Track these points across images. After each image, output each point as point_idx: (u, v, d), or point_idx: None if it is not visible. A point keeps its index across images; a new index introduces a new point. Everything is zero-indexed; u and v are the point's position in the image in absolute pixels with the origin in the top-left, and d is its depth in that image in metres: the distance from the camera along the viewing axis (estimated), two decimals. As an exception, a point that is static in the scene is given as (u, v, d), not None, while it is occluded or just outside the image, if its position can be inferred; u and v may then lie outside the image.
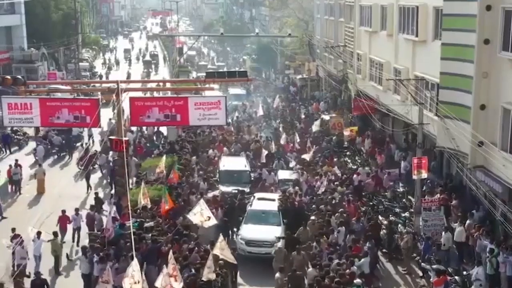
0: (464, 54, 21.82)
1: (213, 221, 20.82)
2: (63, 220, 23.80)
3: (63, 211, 23.84)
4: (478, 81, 21.19)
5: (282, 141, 36.04)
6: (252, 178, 29.35)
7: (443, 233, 21.90)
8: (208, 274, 17.63)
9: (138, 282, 15.40)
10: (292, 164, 32.80)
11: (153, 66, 77.64)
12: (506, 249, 19.57)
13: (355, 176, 29.05)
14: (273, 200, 25.06)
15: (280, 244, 21.91)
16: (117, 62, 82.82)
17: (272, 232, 22.75)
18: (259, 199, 25.21)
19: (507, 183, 20.09)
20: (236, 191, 26.57)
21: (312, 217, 23.44)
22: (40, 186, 30.20)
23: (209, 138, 36.08)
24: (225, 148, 33.91)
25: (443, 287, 18.77)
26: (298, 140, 35.62)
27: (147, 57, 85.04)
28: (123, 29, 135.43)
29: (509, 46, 19.43)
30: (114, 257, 18.60)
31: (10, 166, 30.50)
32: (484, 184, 21.67)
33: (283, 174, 30.03)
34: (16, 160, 31.68)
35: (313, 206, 25.24)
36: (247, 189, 27.42)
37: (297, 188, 27.18)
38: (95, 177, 32.40)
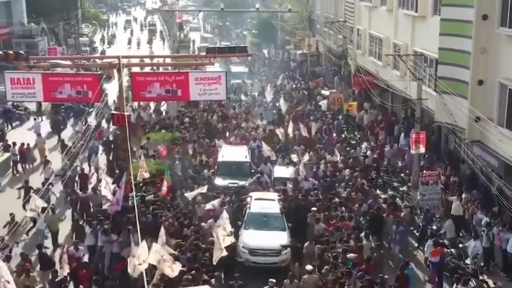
0: (462, 29, 22.05)
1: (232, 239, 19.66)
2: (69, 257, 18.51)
3: (63, 248, 19.44)
4: (476, 57, 21.48)
5: (290, 130, 32.31)
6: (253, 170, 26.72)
7: (447, 222, 21.69)
8: (218, 253, 17.69)
9: (144, 262, 15.79)
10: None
11: (156, 35, 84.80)
12: (501, 222, 19.96)
13: (369, 152, 29.11)
14: (273, 200, 22.33)
15: (286, 253, 19.94)
16: (114, 36, 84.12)
17: (276, 239, 20.29)
18: (257, 199, 22.31)
19: (503, 157, 20.42)
20: (235, 185, 24.50)
21: (313, 208, 21.69)
22: (42, 155, 30.81)
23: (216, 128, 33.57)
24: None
25: (439, 258, 19.13)
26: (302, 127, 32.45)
27: (147, 27, 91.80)
28: (123, 4, 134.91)
29: (507, 22, 19.64)
30: (116, 230, 18.97)
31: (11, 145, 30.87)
32: (481, 159, 21.99)
33: (279, 171, 26.55)
34: (7, 140, 32.29)
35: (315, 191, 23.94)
36: (246, 183, 25.17)
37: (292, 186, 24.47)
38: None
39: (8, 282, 14.98)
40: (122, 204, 19.68)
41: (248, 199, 22.43)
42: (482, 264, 19.93)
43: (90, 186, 25.10)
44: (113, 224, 19.16)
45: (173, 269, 16.30)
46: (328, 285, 16.98)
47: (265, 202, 22.08)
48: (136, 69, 23.83)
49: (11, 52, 19.08)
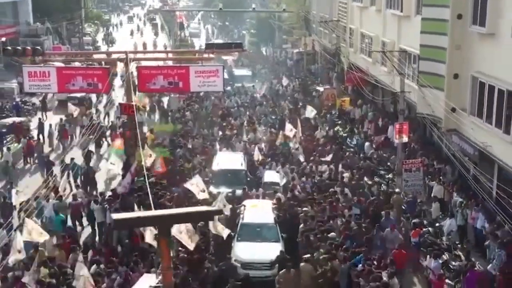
0: (440, 28, 23.87)
1: (206, 195, 21.29)
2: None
3: None
4: (452, 53, 23.30)
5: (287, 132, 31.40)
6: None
7: (434, 205, 23.38)
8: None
9: None
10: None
11: (159, 29, 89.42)
12: (474, 202, 21.91)
13: (367, 143, 30.66)
14: (267, 208, 21.65)
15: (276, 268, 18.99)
16: (111, 34, 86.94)
17: (270, 251, 19.47)
18: (251, 208, 21.61)
19: (476, 145, 22.25)
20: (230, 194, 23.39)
21: (305, 208, 21.56)
22: (51, 143, 33.50)
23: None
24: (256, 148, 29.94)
25: (418, 238, 21.04)
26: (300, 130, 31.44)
27: (150, 22, 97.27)
28: (124, 4, 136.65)
29: (478, 21, 21.45)
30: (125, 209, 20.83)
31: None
32: (459, 147, 23.88)
33: (269, 176, 26.17)
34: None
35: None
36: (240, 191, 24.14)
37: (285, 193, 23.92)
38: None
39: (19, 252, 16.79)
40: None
41: (242, 208, 21.68)
42: (457, 242, 21.80)
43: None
44: (122, 203, 21.07)
45: (192, 240, 17.31)
46: (323, 273, 17.45)
47: (259, 212, 21.38)
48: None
49: (28, 48, 21.05)
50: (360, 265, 17.79)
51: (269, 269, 19.20)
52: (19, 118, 37.74)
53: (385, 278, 16.45)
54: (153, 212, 7.05)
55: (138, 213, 9.95)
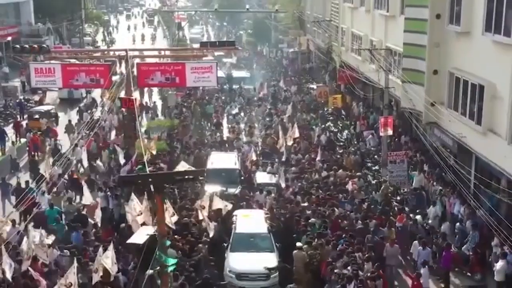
0: (421, 27, 25.38)
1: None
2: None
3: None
4: (431, 50, 24.82)
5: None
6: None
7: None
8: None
9: (140, 213, 18.97)
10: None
11: (155, 25, 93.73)
12: (452, 190, 23.41)
13: (370, 137, 31.97)
14: (260, 218, 21.21)
15: (275, 276, 18.87)
16: (110, 33, 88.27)
17: (265, 261, 19.10)
18: (243, 217, 21.18)
19: (454, 136, 23.61)
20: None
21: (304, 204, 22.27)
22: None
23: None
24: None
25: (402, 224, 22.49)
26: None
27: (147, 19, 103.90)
28: (123, 5, 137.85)
29: (454, 20, 22.99)
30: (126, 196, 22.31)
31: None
32: (439, 139, 25.34)
33: (261, 177, 26.49)
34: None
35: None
36: (236, 191, 24.70)
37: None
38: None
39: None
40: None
41: (234, 218, 21.23)
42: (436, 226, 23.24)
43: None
44: (123, 191, 22.57)
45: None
46: (315, 259, 18.41)
47: (252, 221, 21.01)
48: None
49: (35, 46, 22.56)
50: (340, 246, 19.10)
51: (265, 280, 18.87)
52: (48, 106, 39.12)
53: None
54: (150, 173, 8.49)
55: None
